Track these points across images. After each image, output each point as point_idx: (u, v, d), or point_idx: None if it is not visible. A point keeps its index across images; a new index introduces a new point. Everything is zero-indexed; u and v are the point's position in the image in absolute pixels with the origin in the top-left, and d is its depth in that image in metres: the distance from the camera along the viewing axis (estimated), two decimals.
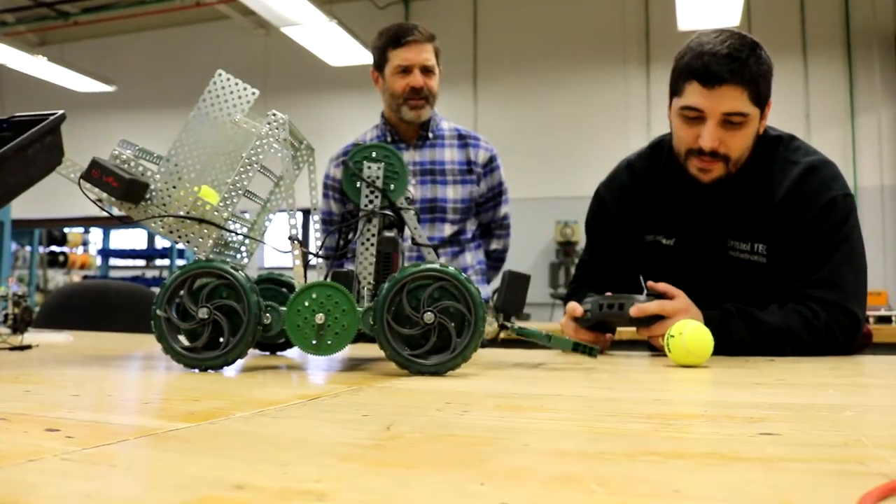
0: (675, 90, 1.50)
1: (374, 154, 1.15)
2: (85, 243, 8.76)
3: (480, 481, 0.43)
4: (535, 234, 7.77)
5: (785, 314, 1.45)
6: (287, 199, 1.15)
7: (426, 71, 2.36)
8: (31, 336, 1.53)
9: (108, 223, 7.05)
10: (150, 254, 7.94)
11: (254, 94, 1.14)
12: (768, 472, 0.46)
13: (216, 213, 1.10)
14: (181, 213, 1.09)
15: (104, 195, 1.08)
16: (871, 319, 4.05)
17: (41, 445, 0.52)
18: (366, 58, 7.23)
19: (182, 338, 1.08)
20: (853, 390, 0.98)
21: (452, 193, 2.39)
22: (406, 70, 2.36)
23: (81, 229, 8.39)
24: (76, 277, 8.19)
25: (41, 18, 9.76)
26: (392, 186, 1.14)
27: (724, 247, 1.59)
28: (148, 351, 1.47)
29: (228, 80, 1.14)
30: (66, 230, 8.11)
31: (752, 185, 1.55)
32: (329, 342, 1.04)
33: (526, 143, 7.97)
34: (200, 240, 1.10)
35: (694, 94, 1.45)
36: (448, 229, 2.38)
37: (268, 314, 1.06)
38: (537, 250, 8.04)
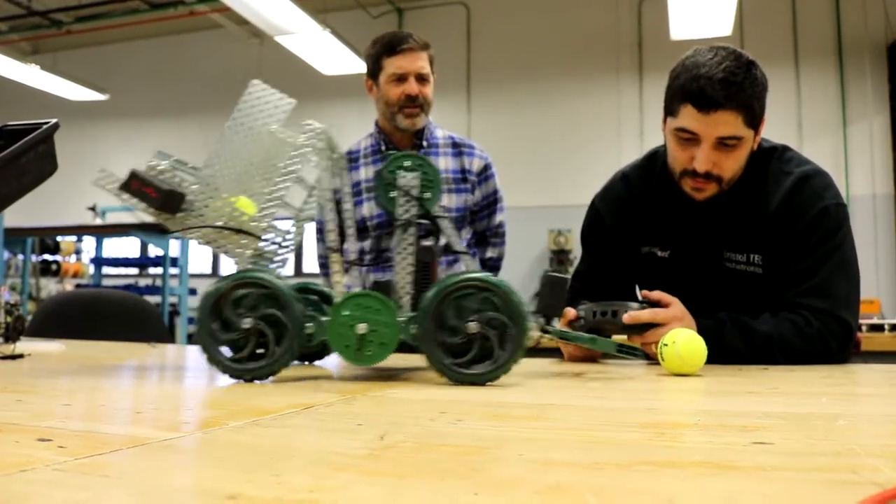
0: (671, 110, 1.51)
1: (407, 163, 1.15)
2: (78, 252, 8.71)
3: (474, 491, 0.43)
4: (528, 242, 7.77)
5: (777, 322, 1.45)
6: (311, 208, 1.16)
7: (421, 79, 2.37)
8: (24, 345, 1.52)
9: (101, 232, 7.02)
10: (143, 262, 7.90)
11: (290, 103, 1.14)
12: (761, 481, 0.46)
13: (254, 224, 1.10)
14: (218, 224, 1.09)
15: (142, 205, 1.07)
16: (863, 328, 4.07)
17: (33, 455, 0.52)
18: (359, 67, 7.23)
19: (223, 348, 1.07)
20: (846, 399, 0.98)
21: (447, 202, 2.39)
22: (401, 78, 2.36)
23: (74, 238, 8.35)
24: (69, 286, 8.16)
25: (34, 27, 9.73)
26: (428, 195, 1.14)
27: (719, 258, 1.60)
28: (141, 360, 1.47)
29: (264, 90, 1.14)
30: (58, 239, 8.07)
31: (746, 197, 1.56)
32: (371, 352, 1.04)
33: (519, 152, 7.98)
34: (238, 250, 1.10)
35: (689, 118, 1.46)
36: (443, 238, 2.38)
37: (310, 324, 1.06)
38: (531, 259, 8.04)
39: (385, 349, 1.04)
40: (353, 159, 2.48)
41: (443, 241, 2.36)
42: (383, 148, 2.45)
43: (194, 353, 1.41)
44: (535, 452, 0.56)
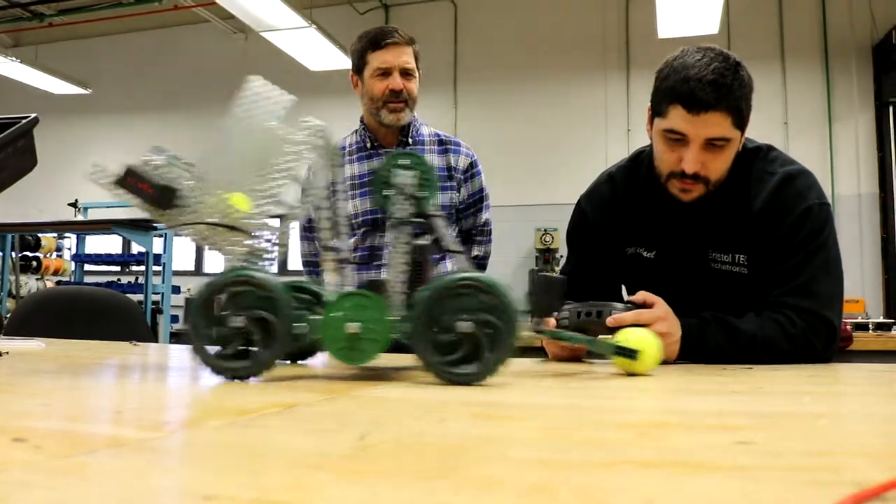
0: (658, 111, 1.51)
1: (405, 161, 1.14)
2: (59, 249, 8.66)
3: (455, 491, 0.42)
4: (515, 240, 7.78)
5: (761, 322, 1.46)
6: (305, 205, 1.15)
7: (406, 74, 2.36)
8: (2, 343, 1.51)
9: (83, 228, 6.97)
10: (125, 260, 7.86)
11: (290, 100, 1.13)
12: (742, 480, 0.46)
13: (249, 221, 1.09)
14: (212, 220, 1.08)
15: (137, 201, 1.06)
16: (848, 326, 4.10)
17: (7, 456, 0.51)
18: (346, 63, 7.19)
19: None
20: (829, 398, 0.99)
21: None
22: (385, 73, 2.35)
23: (55, 234, 8.29)
24: (50, 283, 8.09)
25: (15, 19, 9.65)
26: (424, 194, 1.14)
27: (705, 258, 1.60)
28: (122, 359, 1.46)
29: (263, 85, 1.13)
30: (39, 235, 8.01)
31: (730, 197, 1.56)
32: (363, 350, 1.03)
33: (506, 150, 7.99)
34: (231, 247, 1.09)
35: (678, 119, 1.46)
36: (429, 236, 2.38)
37: (302, 323, 1.05)
38: (517, 257, 8.05)
39: (377, 348, 1.03)
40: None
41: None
42: (368, 145, 2.44)
43: (177, 352, 1.40)
44: (517, 452, 0.56)
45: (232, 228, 1.09)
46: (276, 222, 1.29)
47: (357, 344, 1.03)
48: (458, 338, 1.00)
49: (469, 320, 0.99)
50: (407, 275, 1.10)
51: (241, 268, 1.06)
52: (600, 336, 1.57)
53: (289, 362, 1.37)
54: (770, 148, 1.63)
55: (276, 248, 1.24)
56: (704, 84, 1.42)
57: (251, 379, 1.04)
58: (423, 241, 1.12)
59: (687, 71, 1.44)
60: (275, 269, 1.26)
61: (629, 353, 1.16)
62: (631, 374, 1.18)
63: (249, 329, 1.03)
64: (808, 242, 1.50)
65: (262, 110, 1.12)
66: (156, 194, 1.05)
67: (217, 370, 1.04)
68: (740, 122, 1.46)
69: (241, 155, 1.11)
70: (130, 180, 1.06)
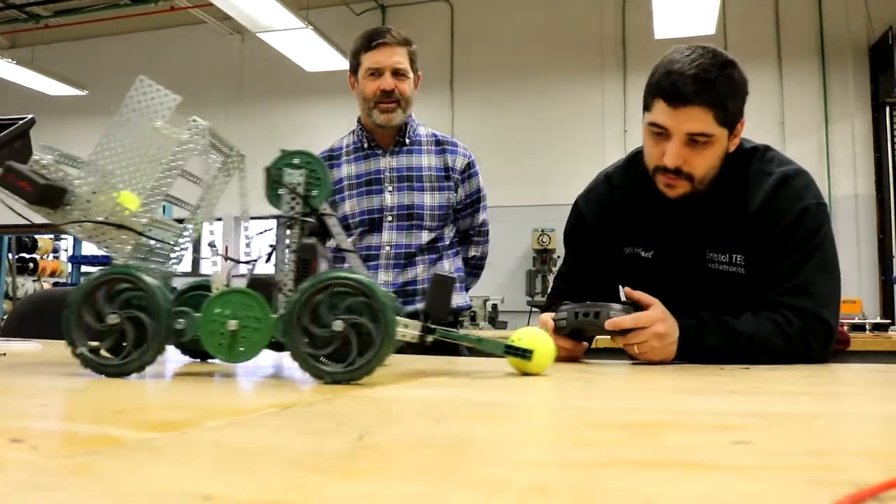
0: (646, 105, 1.53)
1: (295, 160, 1.14)
2: (55, 250, 8.64)
3: (454, 491, 0.42)
4: (512, 241, 7.78)
5: (758, 322, 1.46)
6: (208, 206, 1.16)
7: (397, 74, 2.35)
8: None
9: None
10: None
11: (175, 99, 1.14)
12: (740, 480, 0.46)
13: (134, 219, 1.09)
14: (99, 219, 1.10)
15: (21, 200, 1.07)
16: (845, 327, 4.10)
17: (5, 456, 0.51)
18: (342, 64, 7.21)
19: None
20: (826, 398, 0.99)
21: (430, 200, 2.39)
22: (376, 73, 2.35)
23: (52, 236, 8.27)
24: (46, 285, 8.08)
25: (11, 20, 9.63)
26: (314, 192, 1.14)
27: (702, 259, 1.60)
28: None
29: (150, 85, 1.14)
30: (36, 237, 7.99)
31: (727, 197, 1.57)
32: (242, 348, 1.04)
33: (503, 150, 7.99)
34: (119, 245, 1.10)
35: (660, 112, 1.48)
36: (426, 236, 2.37)
37: (181, 320, 1.06)
38: (515, 258, 8.04)
39: (255, 346, 1.04)
40: (335, 156, 2.48)
41: (425, 239, 2.35)
42: (365, 145, 2.44)
43: (175, 354, 1.40)
44: (516, 452, 0.56)
45: (119, 227, 1.10)
46: (181, 222, 1.30)
47: (237, 342, 1.04)
48: (330, 335, 1.00)
49: (341, 319, 0.99)
50: (294, 273, 1.10)
51: (118, 266, 1.07)
52: (597, 337, 1.57)
53: (199, 360, 1.36)
54: (767, 148, 1.63)
55: (181, 248, 1.26)
56: (686, 78, 1.43)
57: (129, 377, 1.04)
58: (309, 240, 1.12)
59: (672, 66, 1.46)
60: (184, 268, 1.27)
61: (522, 353, 1.15)
62: (525, 374, 1.16)
63: (124, 326, 1.05)
64: (805, 242, 1.50)
65: (149, 110, 1.13)
66: (36, 192, 1.06)
67: (93, 367, 1.05)
68: (725, 120, 1.46)
69: (129, 154, 1.12)
70: (10, 178, 1.07)
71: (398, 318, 1.08)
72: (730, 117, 1.47)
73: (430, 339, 1.11)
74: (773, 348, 1.44)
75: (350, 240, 2.38)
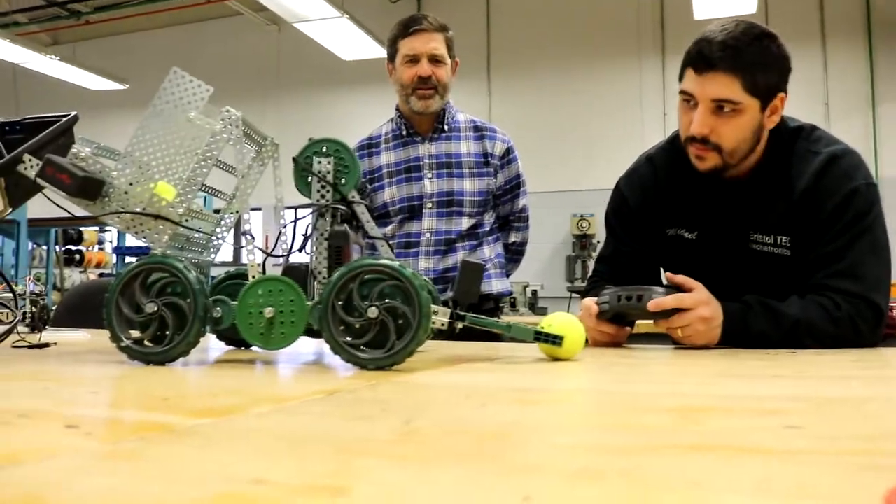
0: (679, 77, 1.53)
1: (324, 148, 1.15)
2: (100, 242, 8.81)
3: (501, 475, 0.42)
4: (551, 227, 7.75)
5: (805, 305, 1.43)
6: (243, 195, 1.18)
7: (434, 61, 2.35)
8: (49, 334, 1.54)
9: None
10: None
11: (208, 90, 1.16)
12: (792, 464, 0.45)
13: (171, 209, 1.11)
14: (136, 210, 1.11)
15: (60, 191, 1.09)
16: (895, 311, 4.00)
17: (61, 442, 0.52)
18: (378, 52, 7.23)
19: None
20: (877, 383, 0.97)
21: (469, 186, 2.38)
22: (413, 59, 2.35)
23: (97, 228, 8.43)
24: (92, 276, 8.24)
25: (53, 18, 9.81)
26: (343, 180, 1.14)
27: (745, 240, 1.58)
28: None
29: (183, 77, 1.16)
30: (81, 229, 8.15)
31: (773, 177, 1.54)
32: (278, 335, 1.05)
33: (540, 136, 7.94)
34: (156, 235, 1.12)
35: (688, 80, 1.48)
36: (465, 223, 2.37)
37: (218, 308, 1.07)
38: (554, 244, 8.02)
39: (292, 332, 1.05)
40: (374, 145, 2.48)
41: (465, 225, 2.35)
42: (404, 132, 2.44)
43: (214, 342, 1.42)
44: (560, 437, 0.56)
45: (156, 217, 1.11)
46: (219, 212, 1.32)
47: (274, 329, 1.05)
48: (367, 323, 1.01)
49: (376, 306, 1.00)
50: (327, 261, 1.11)
51: (155, 255, 1.09)
52: (638, 321, 1.55)
53: (243, 348, 1.38)
54: (813, 127, 1.59)
55: (219, 237, 1.27)
56: (713, 44, 1.42)
57: (173, 363, 1.07)
58: (340, 227, 1.12)
59: (703, 35, 1.46)
60: (224, 257, 1.28)
61: (553, 339, 1.14)
62: (556, 359, 1.16)
63: (163, 313, 1.06)
64: (854, 224, 1.46)
65: (183, 101, 1.15)
66: (75, 184, 1.08)
67: (132, 355, 1.07)
68: (755, 89, 1.44)
69: (164, 145, 1.14)
70: (49, 171, 1.09)
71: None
72: (761, 88, 1.44)
73: (459, 325, 1.11)
74: (820, 333, 1.41)
75: (390, 227, 2.39)
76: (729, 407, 0.71)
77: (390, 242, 2.37)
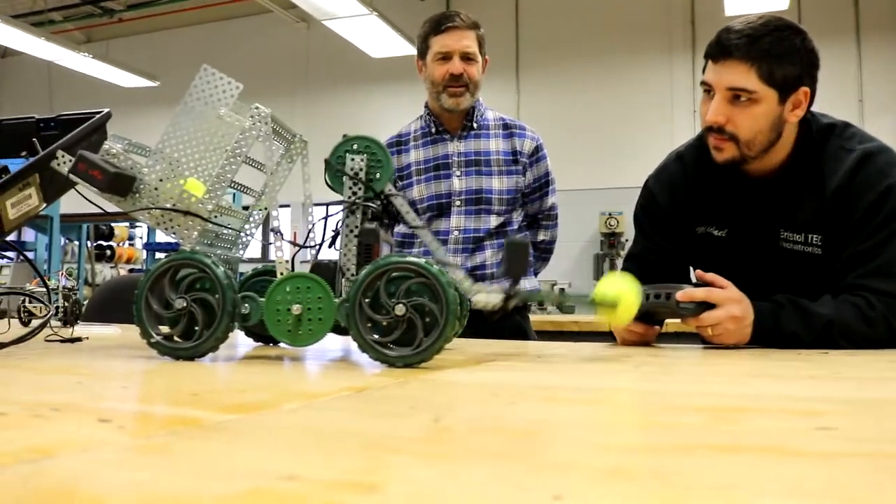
0: (702, 70, 1.53)
1: (355, 146, 1.15)
2: (131, 238, 8.91)
3: (531, 473, 0.42)
4: (579, 225, 7.70)
5: (838, 305, 1.41)
6: (272, 192, 1.19)
7: (466, 58, 2.34)
8: (81, 329, 1.56)
9: None
10: None
11: (237, 87, 1.16)
12: (827, 467, 0.44)
13: (200, 206, 1.12)
14: (166, 206, 1.13)
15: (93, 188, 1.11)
16: None
17: (94, 436, 0.53)
18: (408, 49, 7.23)
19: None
20: None
21: (498, 184, 2.37)
22: (445, 57, 2.34)
23: (127, 224, 8.52)
24: (123, 271, 8.34)
25: (87, 16, 9.95)
26: (378, 175, 1.15)
27: (776, 238, 1.56)
28: None
29: (213, 74, 1.17)
30: (112, 225, 8.25)
31: (804, 174, 1.52)
32: (306, 331, 1.05)
33: (569, 133, 7.90)
34: (186, 231, 1.13)
35: (707, 70, 1.49)
36: (494, 221, 2.36)
37: (246, 304, 1.08)
38: (582, 242, 7.97)
39: (320, 329, 1.05)
40: (403, 142, 2.48)
41: (494, 223, 2.34)
42: (433, 130, 2.44)
43: (243, 338, 1.43)
44: (590, 435, 0.55)
45: (186, 213, 1.12)
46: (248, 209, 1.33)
47: (302, 325, 1.05)
48: (395, 321, 1.01)
49: (404, 304, 1.00)
50: (356, 258, 1.11)
51: (184, 252, 1.10)
52: (667, 320, 1.54)
53: (270, 345, 1.38)
54: (847, 124, 1.57)
55: (248, 234, 1.28)
56: (731, 33, 1.43)
57: (202, 359, 1.08)
58: (370, 224, 1.12)
59: (725, 27, 1.46)
60: (253, 254, 1.30)
61: (608, 305, 1.15)
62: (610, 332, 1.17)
63: (192, 309, 1.07)
64: (890, 222, 1.44)
65: (213, 98, 1.15)
66: (107, 181, 1.09)
67: (162, 351, 1.08)
68: (772, 80, 1.42)
69: (194, 142, 1.15)
70: (82, 167, 1.10)
71: (477, 285, 1.09)
72: (778, 79, 1.43)
73: (512, 303, 1.11)
74: (853, 333, 1.39)
75: None
76: (761, 407, 0.70)
77: (418, 241, 2.37)
